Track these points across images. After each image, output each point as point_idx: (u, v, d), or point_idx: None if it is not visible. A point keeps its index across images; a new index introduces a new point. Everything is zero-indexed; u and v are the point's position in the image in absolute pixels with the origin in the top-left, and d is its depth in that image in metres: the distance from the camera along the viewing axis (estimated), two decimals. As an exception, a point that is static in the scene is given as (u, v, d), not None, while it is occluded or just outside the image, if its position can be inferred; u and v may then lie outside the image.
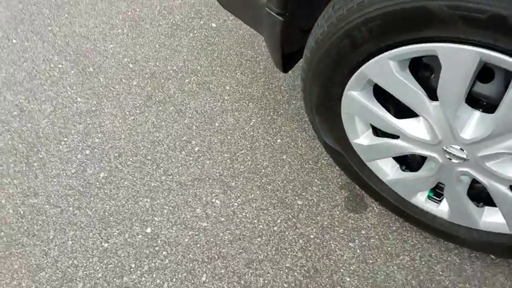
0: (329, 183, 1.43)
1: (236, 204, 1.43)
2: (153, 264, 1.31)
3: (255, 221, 1.38)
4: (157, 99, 1.75)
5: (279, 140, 1.58)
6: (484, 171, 0.93)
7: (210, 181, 1.50)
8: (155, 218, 1.41)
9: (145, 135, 1.64)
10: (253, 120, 1.64)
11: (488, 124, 0.85)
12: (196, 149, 1.59)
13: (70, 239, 1.38)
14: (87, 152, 1.60)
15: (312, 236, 1.32)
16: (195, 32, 1.96)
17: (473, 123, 0.88)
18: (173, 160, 1.57)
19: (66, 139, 1.64)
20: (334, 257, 1.28)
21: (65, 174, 1.54)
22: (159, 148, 1.61)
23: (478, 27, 0.73)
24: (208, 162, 1.55)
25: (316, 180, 1.45)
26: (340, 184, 1.43)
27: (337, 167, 1.48)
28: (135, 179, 1.51)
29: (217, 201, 1.45)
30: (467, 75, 0.80)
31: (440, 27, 0.78)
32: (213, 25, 1.97)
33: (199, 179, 1.51)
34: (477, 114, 0.87)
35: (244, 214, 1.40)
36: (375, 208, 1.35)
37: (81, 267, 1.31)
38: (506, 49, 0.73)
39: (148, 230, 1.39)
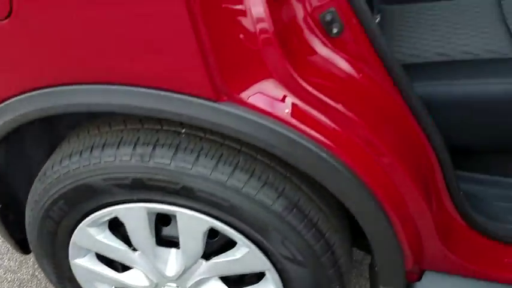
0: None
1: None
2: None
3: None
4: None
5: (54, 320, 1.41)
6: (200, 298, 0.99)
7: None
8: None
9: None
10: (24, 307, 1.45)
11: (181, 258, 0.93)
12: None
13: None
14: None
15: None
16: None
17: (172, 261, 0.95)
18: None
19: None
20: None
21: None
22: None
23: (128, 188, 0.84)
24: None
25: None
26: None
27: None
28: None
29: None
30: (144, 225, 0.89)
31: (105, 195, 0.86)
32: (-28, 219, 1.79)
33: None
34: (173, 251, 0.95)
35: None
36: None
37: None
38: (160, 200, 0.85)
39: None
